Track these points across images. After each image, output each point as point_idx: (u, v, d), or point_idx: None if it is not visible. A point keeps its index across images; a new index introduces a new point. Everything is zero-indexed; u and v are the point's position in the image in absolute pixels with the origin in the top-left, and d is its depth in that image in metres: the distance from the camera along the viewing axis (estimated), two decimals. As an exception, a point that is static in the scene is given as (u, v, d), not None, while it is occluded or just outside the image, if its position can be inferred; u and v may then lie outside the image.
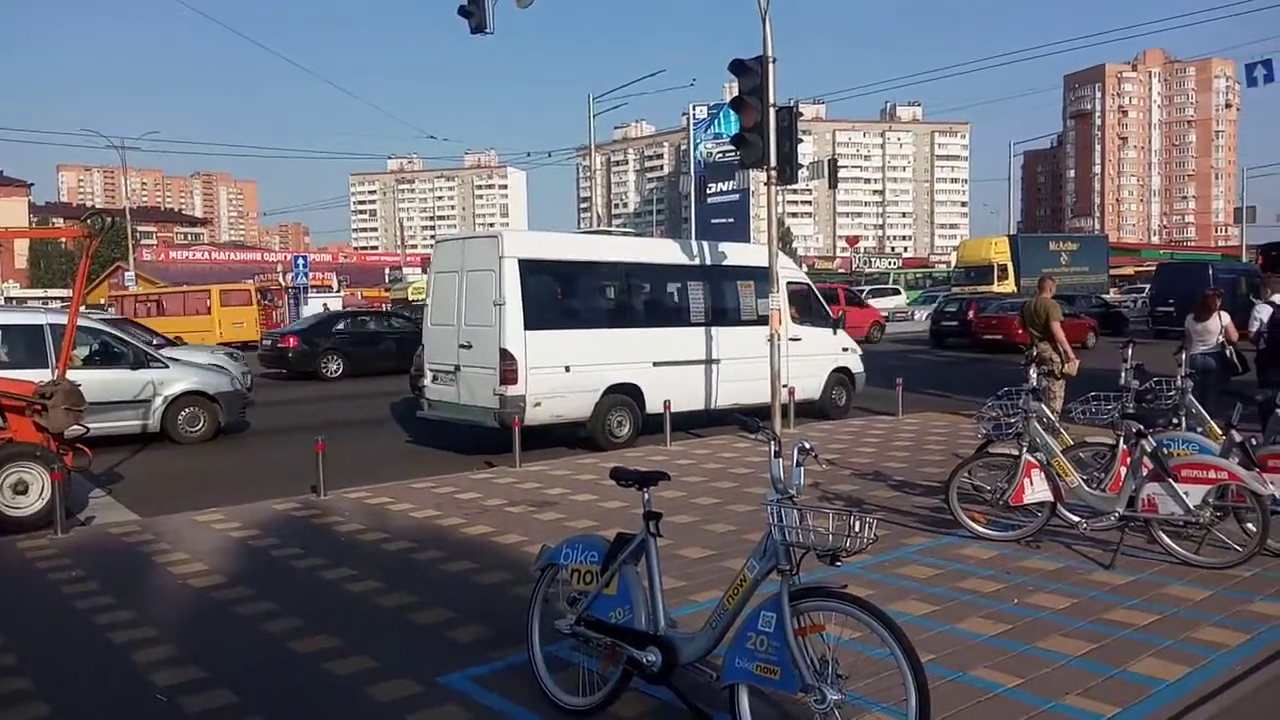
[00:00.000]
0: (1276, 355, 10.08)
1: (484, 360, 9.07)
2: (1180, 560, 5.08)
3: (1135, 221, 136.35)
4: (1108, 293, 35.81)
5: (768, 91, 9.15)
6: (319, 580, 5.12)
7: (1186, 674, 3.62)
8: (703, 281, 10.60)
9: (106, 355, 10.27)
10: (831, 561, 2.71)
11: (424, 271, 46.92)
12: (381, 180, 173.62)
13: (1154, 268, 33.84)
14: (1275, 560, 5.10)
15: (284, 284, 38.06)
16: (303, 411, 13.44)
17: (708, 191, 45.12)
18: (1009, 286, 33.34)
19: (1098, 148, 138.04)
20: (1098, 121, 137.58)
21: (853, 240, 72.57)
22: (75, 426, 6.90)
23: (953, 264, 46.58)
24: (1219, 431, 6.21)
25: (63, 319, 8.92)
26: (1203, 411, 6.63)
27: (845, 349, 12.06)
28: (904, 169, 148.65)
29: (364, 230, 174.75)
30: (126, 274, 43.84)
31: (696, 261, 10.68)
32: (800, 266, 14.78)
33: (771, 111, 9.18)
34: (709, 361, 10.40)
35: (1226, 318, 8.87)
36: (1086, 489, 5.50)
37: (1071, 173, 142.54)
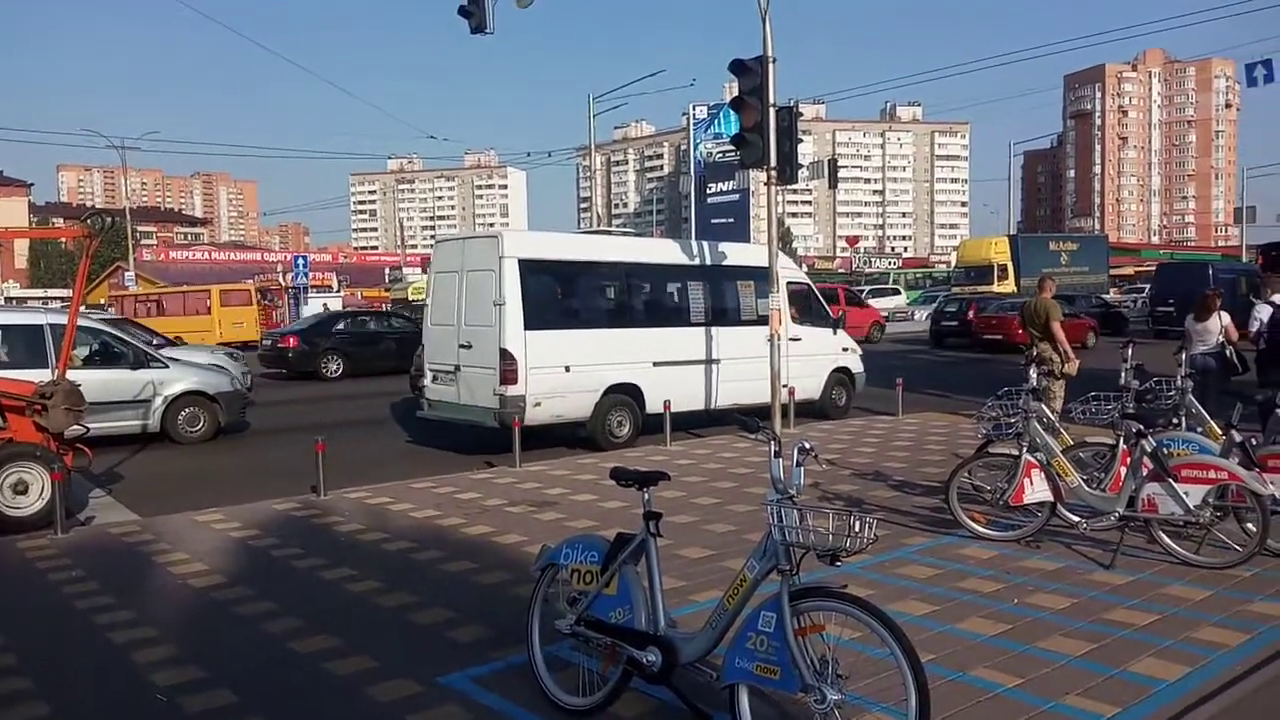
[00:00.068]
0: (1276, 355, 10.09)
1: (484, 360, 9.07)
2: (1180, 560, 5.08)
3: (1135, 221, 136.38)
4: (1108, 293, 35.82)
5: (768, 91, 9.15)
6: (319, 580, 5.12)
7: (1186, 674, 3.62)
8: (703, 281, 10.60)
9: (106, 355, 10.27)
10: (831, 561, 2.71)
11: (424, 271, 46.95)
12: (381, 180, 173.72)
13: (1154, 268, 33.84)
14: (1275, 560, 5.10)
15: (284, 284, 38.06)
16: (302, 411, 13.45)
17: (708, 191, 45.15)
18: (1009, 286, 33.34)
19: (1098, 148, 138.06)
20: (1098, 121, 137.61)
21: (853, 240, 72.56)
22: (75, 426, 6.90)
23: (953, 264, 46.59)
24: (1219, 431, 6.22)
25: (63, 319, 8.92)
26: (1203, 411, 6.63)
27: (845, 349, 12.06)
28: (904, 169, 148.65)
29: (364, 230, 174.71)
30: (126, 274, 43.85)
31: (696, 261, 10.69)
32: (800, 266, 14.77)
33: (771, 111, 9.18)
34: (709, 361, 10.40)
35: (1226, 318, 8.88)
36: (1086, 489, 5.50)
37: (1071, 173, 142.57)
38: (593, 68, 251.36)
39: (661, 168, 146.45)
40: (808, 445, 2.90)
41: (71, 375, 7.24)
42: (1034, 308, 9.21)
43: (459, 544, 5.80)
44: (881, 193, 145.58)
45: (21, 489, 6.51)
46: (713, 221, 43.51)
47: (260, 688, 3.70)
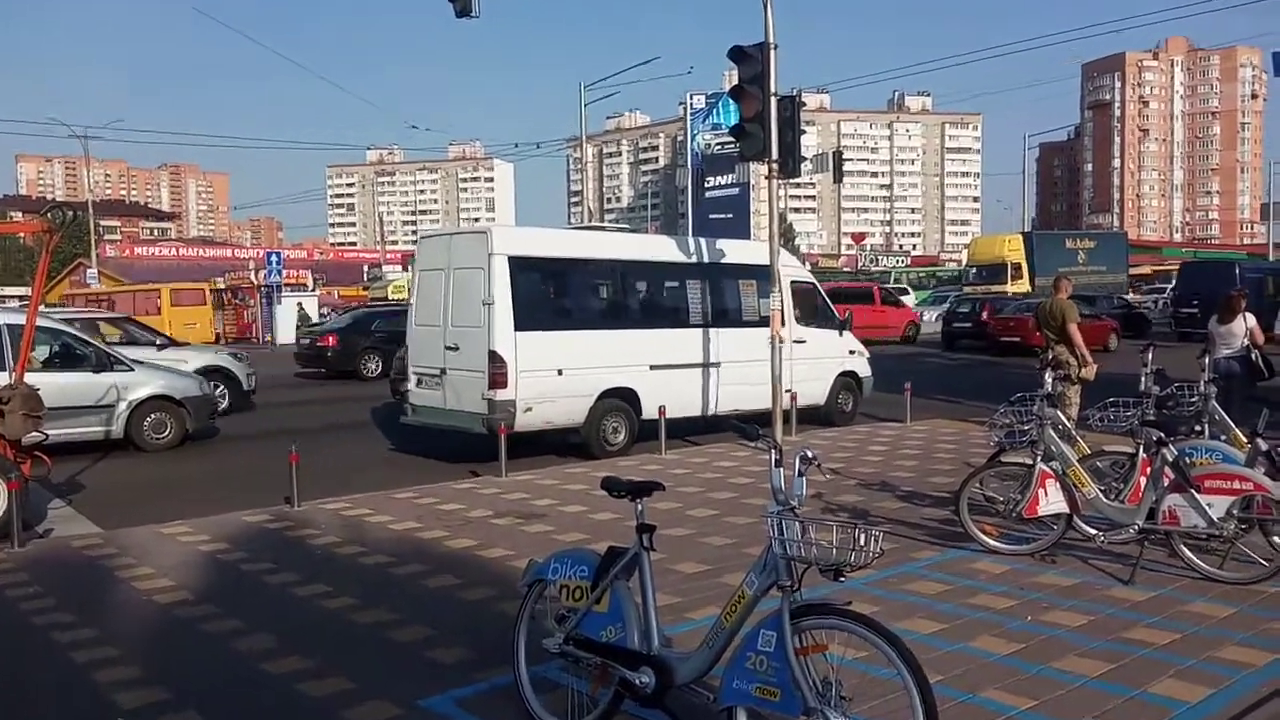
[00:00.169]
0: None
1: (471, 363, 9.08)
2: (1203, 575, 5.10)
3: (1156, 218, 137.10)
4: (1127, 293, 35.96)
5: (769, 80, 9.17)
6: (292, 596, 5.11)
7: (1209, 695, 3.64)
8: (701, 280, 10.63)
9: (67, 357, 10.23)
10: (835, 577, 2.72)
11: (404, 269, 47.00)
12: (360, 173, 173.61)
13: (1175, 266, 33.96)
14: (1303, 575, 5.12)
15: (256, 282, 37.98)
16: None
17: (706, 185, 45.19)
18: (1023, 286, 33.44)
19: (1117, 140, 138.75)
20: (1117, 112, 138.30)
21: (859, 237, 72.77)
22: (33, 433, 6.87)
23: (964, 262, 46.70)
24: (1244, 440, 6.23)
25: (21, 319, 8.87)
26: (1227, 418, 6.65)
27: (852, 351, 12.09)
28: (913, 162, 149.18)
29: (341, 225, 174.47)
30: (89, 271, 43.66)
31: (694, 259, 10.72)
32: (803, 264, 14.81)
33: (773, 101, 9.19)
34: (708, 365, 10.43)
35: (1252, 319, 8.92)
36: (1104, 500, 5.51)
37: (1089, 166, 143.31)
38: (584, 54, 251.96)
39: (657, 160, 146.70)
40: (810, 454, 2.91)
41: (30, 379, 7.21)
42: (1050, 309, 9.25)
43: (441, 558, 5.79)
44: (889, 187, 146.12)
45: (-24, 499, 6.46)
46: (711, 217, 43.55)
47: (229, 710, 3.69)
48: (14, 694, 3.89)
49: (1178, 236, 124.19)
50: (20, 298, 44.57)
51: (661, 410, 9.58)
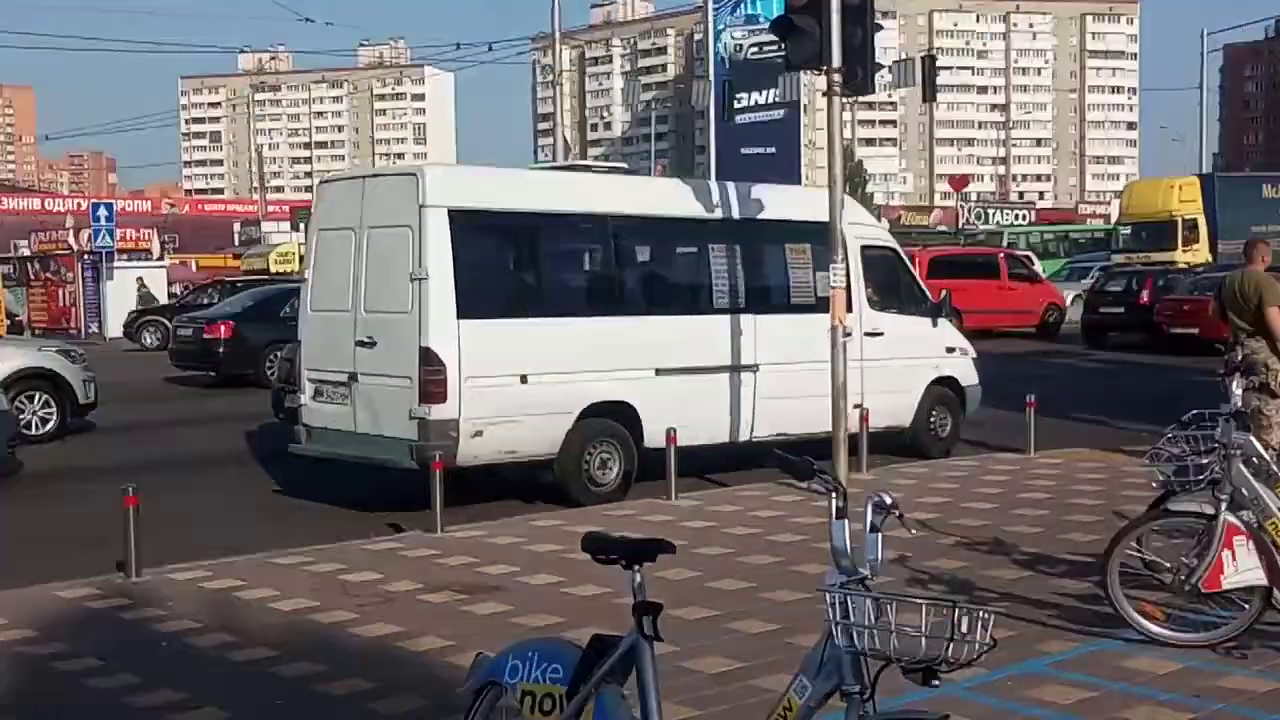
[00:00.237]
0: None
1: (394, 366, 9.09)
2: None
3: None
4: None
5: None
6: (126, 710, 5.10)
7: None
8: (729, 244, 10.64)
9: None
10: (926, 679, 2.71)
11: (296, 229, 47.10)
12: (229, 87, 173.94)
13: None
14: None
15: (77, 247, 38.03)
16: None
17: (736, 106, 45.12)
18: (1199, 254, 33.49)
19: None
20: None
21: (959, 182, 72.71)
22: None
23: (1113, 218, 46.77)
24: None
25: None
26: None
27: (951, 349, 12.12)
28: (1039, 72, 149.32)
29: (202, 165, 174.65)
30: None
31: (720, 214, 10.72)
32: (879, 221, 14.84)
33: (835, -19, 9.21)
34: (739, 368, 10.45)
35: None
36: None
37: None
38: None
39: (664, 68, 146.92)
40: (889, 499, 2.91)
41: None
42: (1240, 287, 9.23)
43: (347, 653, 5.78)
44: (1004, 109, 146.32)
45: None
46: (744, 152, 43.57)
47: None
48: None
49: None
50: None
51: (671, 435, 9.58)
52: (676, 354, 10.12)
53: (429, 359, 8.86)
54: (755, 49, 44.36)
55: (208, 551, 7.95)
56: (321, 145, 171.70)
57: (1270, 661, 5.44)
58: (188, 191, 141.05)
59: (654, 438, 9.73)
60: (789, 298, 10.95)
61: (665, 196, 11.09)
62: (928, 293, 12.24)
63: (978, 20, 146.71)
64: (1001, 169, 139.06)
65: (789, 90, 42.48)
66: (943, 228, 66.54)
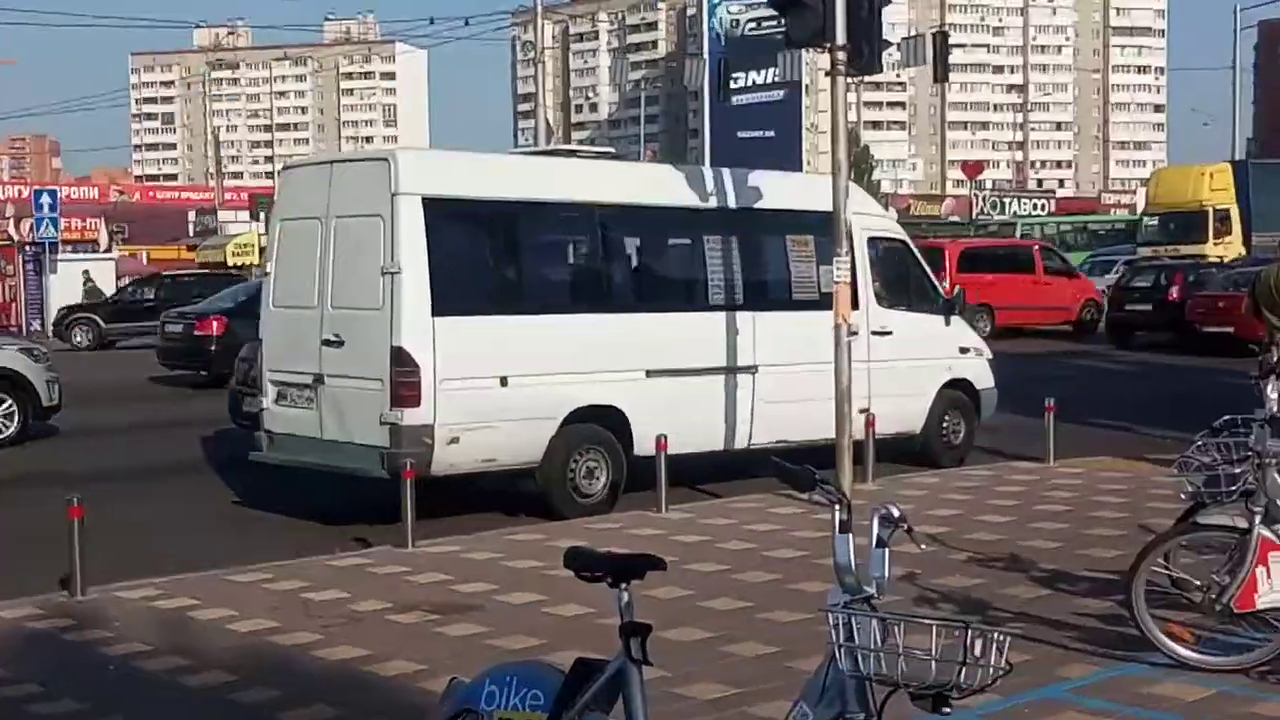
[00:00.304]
0: None
1: (364, 366, 9.09)
2: None
3: None
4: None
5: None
6: (77, 737, 5.09)
7: None
8: (726, 236, 10.66)
9: None
10: (936, 706, 2.72)
11: (256, 219, 46.99)
12: (184, 65, 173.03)
13: None
14: None
15: (17, 237, 37.85)
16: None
17: (732, 86, 45.15)
18: (1232, 246, 33.56)
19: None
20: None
21: (973, 169, 72.95)
22: None
23: (1139, 208, 46.90)
24: None
25: None
26: None
27: (965, 350, 12.15)
28: (1059, 50, 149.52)
29: (154, 148, 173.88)
30: None
31: (715, 203, 10.74)
32: (887, 210, 14.86)
33: (840, -47, 9.23)
34: (736, 370, 10.46)
35: None
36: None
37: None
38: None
39: (655, 45, 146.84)
40: (896, 512, 2.91)
41: None
42: (1274, 282, 9.30)
43: (309, 677, 5.78)
44: (1022, 90, 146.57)
45: None
46: (741, 136, 43.75)
47: None
48: None
49: None
50: None
51: (661, 442, 9.58)
52: (669, 354, 10.12)
53: (401, 359, 8.85)
54: (753, 24, 44.49)
55: (160, 567, 7.93)
56: (284, 128, 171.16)
57: (1307, 687, 5.46)
58: (138, 178, 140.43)
59: (644, 445, 9.72)
60: (790, 294, 10.97)
61: (656, 184, 11.10)
62: (940, 288, 12.26)
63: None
64: (1019, 155, 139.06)
65: (789, 69, 42.39)
66: (955, 218, 66.49)
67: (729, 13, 46.66)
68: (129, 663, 6.03)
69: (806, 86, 44.07)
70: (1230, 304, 22.08)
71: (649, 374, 9.97)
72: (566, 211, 10.20)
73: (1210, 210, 34.85)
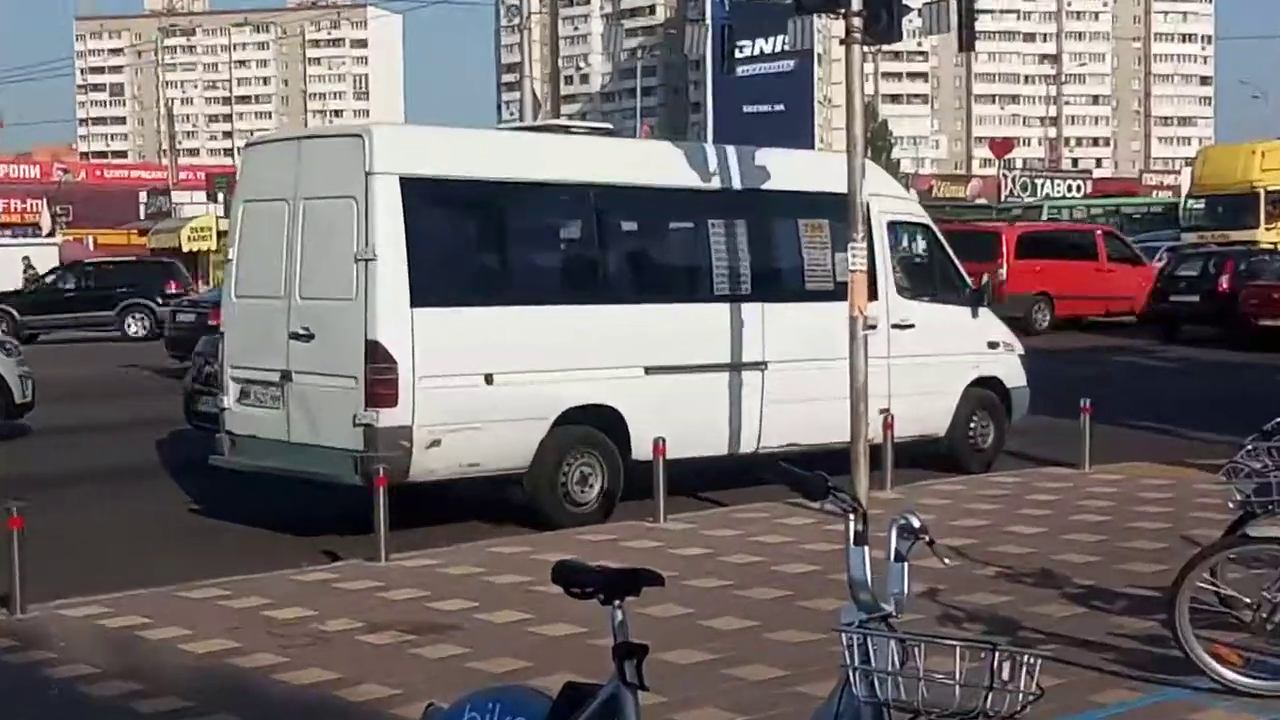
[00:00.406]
0: None
1: (336, 362, 9.10)
2: None
3: None
4: None
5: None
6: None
7: None
8: (732, 220, 10.67)
9: None
10: (960, 736, 2.72)
11: (214, 200, 46.92)
12: (134, 31, 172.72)
13: None
14: None
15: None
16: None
17: (737, 55, 45.10)
18: (1287, 232, 33.56)
19: None
20: None
21: (1001, 147, 72.93)
22: None
23: (1184, 189, 46.86)
24: None
25: None
26: None
27: (994, 344, 12.15)
28: (1096, 17, 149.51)
29: (101, 122, 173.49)
30: None
31: (719, 183, 10.75)
32: (908, 191, 14.87)
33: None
34: (743, 367, 10.48)
35: None
36: None
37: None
38: None
39: (652, 10, 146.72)
40: (917, 522, 2.92)
41: None
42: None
43: (271, 702, 5.77)
44: (1055, 60, 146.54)
45: None
46: (747, 110, 43.69)
47: None
48: None
49: None
50: None
51: (660, 446, 9.58)
52: (670, 350, 10.14)
53: (377, 355, 8.85)
54: (762, -12, 44.37)
55: (108, 582, 7.91)
56: (244, 100, 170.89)
57: (1367, 714, 5.47)
58: (84, 154, 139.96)
59: (642, 448, 9.72)
60: (802, 283, 10.98)
61: (656, 163, 11.09)
62: (966, 276, 12.26)
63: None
64: (1051, 132, 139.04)
65: (800, 37, 42.26)
66: (982, 200, 66.43)
67: (736, -25, 46.60)
68: (74, 686, 6.01)
69: (819, 56, 44.06)
70: (1289, 296, 22.22)
71: (648, 371, 9.98)
72: (558, 193, 10.20)
73: (1262, 192, 34.79)
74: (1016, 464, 11.98)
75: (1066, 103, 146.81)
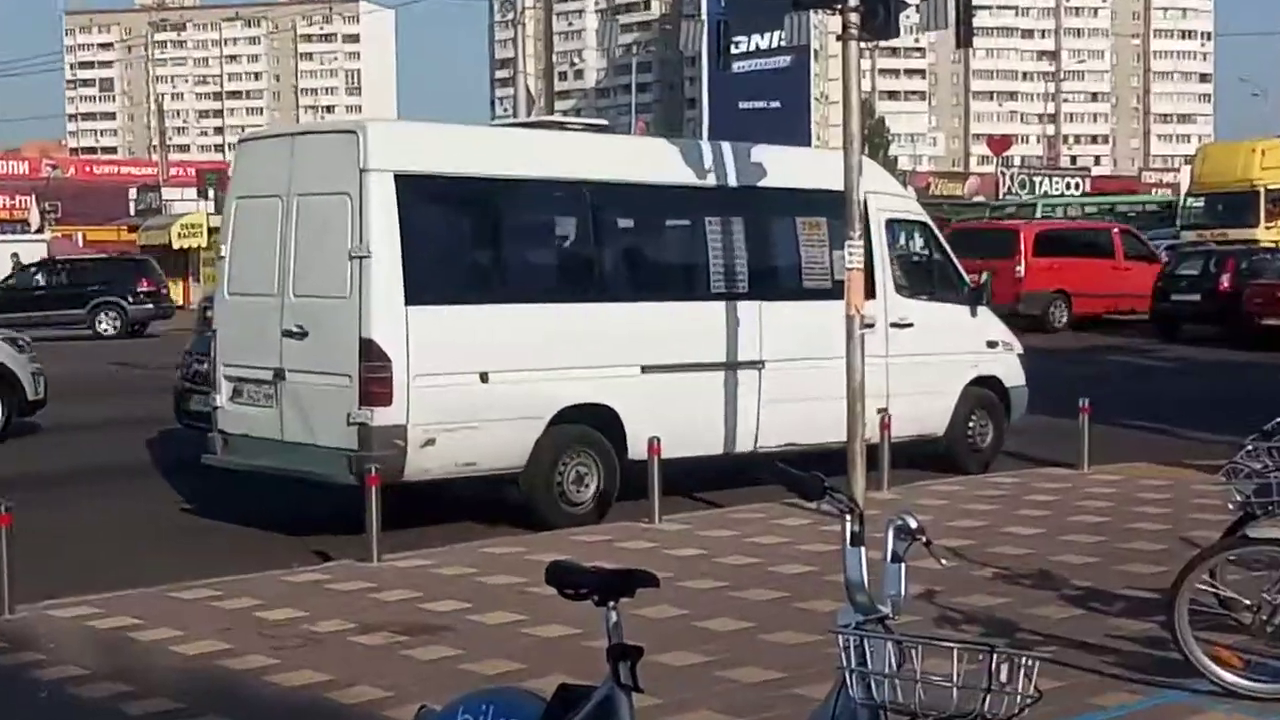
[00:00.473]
0: None
1: (330, 360, 9.10)
2: None
3: None
4: None
5: None
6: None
7: None
8: (728, 217, 10.68)
9: None
10: (957, 738, 2.72)
11: (204, 196, 46.89)
12: (124, 25, 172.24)
13: None
14: None
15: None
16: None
17: (733, 51, 45.02)
18: (1288, 230, 33.59)
19: None
20: None
21: (999, 144, 72.93)
22: None
23: (1183, 187, 46.88)
24: None
25: None
26: None
27: (993, 343, 12.16)
28: (1095, 13, 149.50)
29: (91, 118, 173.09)
30: None
31: (715, 180, 10.75)
32: (906, 188, 14.87)
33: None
34: (740, 366, 10.48)
35: None
36: None
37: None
38: None
39: (647, 5, 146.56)
40: (914, 523, 2.92)
41: None
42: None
43: (262, 704, 5.78)
44: (1053, 57, 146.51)
45: None
46: (743, 107, 43.60)
47: None
48: None
49: None
50: None
51: (655, 445, 9.59)
52: (666, 348, 10.14)
53: (371, 353, 8.85)
54: (757, -17, 44.31)
55: (98, 582, 7.91)
56: (235, 96, 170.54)
57: (1367, 717, 5.48)
58: (73, 150, 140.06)
59: (639, 448, 9.72)
60: (800, 281, 10.99)
61: (652, 160, 11.08)
62: (964, 275, 12.27)
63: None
64: (1050, 129, 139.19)
65: (797, 33, 42.18)
66: (980, 198, 66.36)
67: (732, -31, 46.55)
68: (63, 688, 6.01)
69: (816, 52, 44.05)
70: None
71: (644, 370, 9.99)
72: (553, 190, 10.20)
73: (1262, 190, 34.79)
74: (1015, 464, 12.00)
75: (1065, 100, 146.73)
